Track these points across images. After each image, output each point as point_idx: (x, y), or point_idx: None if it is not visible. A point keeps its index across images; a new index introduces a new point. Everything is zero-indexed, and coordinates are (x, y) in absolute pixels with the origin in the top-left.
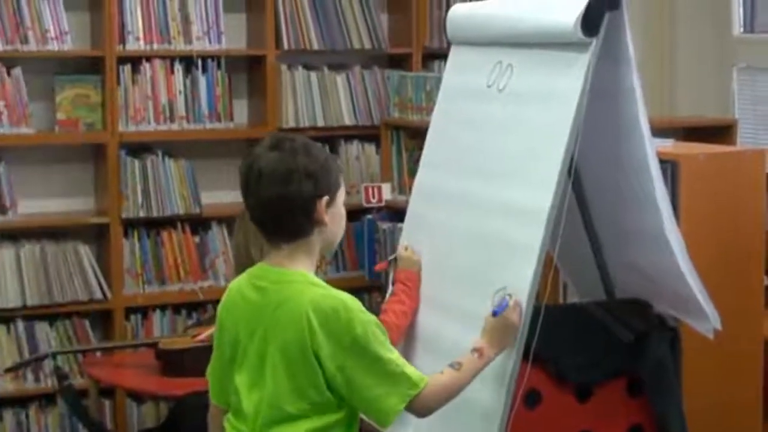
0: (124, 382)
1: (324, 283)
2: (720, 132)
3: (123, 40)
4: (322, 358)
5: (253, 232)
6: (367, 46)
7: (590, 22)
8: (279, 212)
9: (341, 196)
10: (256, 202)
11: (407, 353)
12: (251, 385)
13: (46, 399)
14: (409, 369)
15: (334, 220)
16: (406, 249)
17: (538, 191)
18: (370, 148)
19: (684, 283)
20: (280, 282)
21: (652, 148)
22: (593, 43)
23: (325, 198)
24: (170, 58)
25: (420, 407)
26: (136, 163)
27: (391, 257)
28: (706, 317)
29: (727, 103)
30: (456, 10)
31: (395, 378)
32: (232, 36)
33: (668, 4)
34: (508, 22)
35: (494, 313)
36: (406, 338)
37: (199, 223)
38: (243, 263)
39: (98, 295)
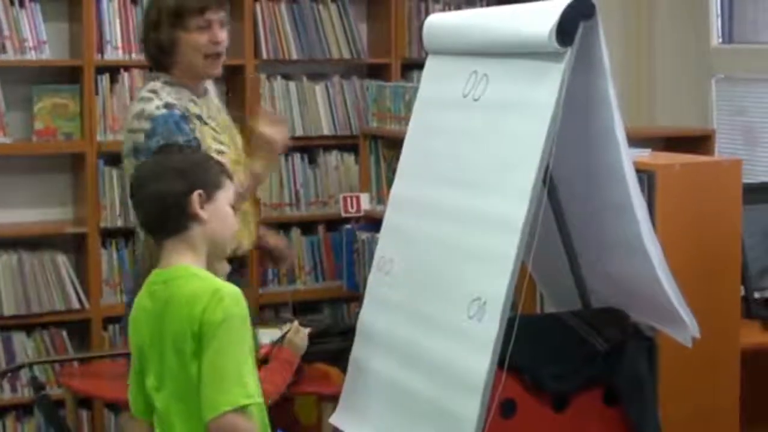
0: (101, 393)
1: (208, 274)
2: (698, 142)
3: (101, 50)
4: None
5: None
6: (346, 55)
7: (565, 31)
8: (155, 209)
9: (224, 196)
10: (136, 204)
11: (386, 364)
12: (158, 386)
13: (23, 410)
14: (251, 380)
15: (216, 217)
16: (299, 332)
17: (513, 201)
18: (349, 158)
19: (662, 292)
20: (166, 281)
21: (628, 157)
22: (568, 52)
23: (198, 193)
24: (149, 68)
25: (235, 423)
26: (114, 172)
27: (278, 338)
28: (684, 326)
29: (705, 113)
30: (433, 20)
31: (231, 379)
32: None
33: (646, 15)
34: (484, 32)
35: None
36: (384, 349)
37: None
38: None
39: (76, 305)
